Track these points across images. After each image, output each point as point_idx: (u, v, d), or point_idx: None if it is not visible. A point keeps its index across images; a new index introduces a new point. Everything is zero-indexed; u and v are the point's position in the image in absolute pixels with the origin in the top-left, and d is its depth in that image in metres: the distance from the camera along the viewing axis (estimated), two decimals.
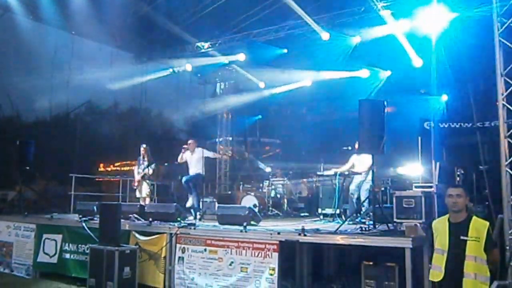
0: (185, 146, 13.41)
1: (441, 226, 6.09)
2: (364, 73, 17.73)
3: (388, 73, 17.58)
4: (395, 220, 8.00)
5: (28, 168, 13.98)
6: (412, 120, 14.15)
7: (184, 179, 13.35)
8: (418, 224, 7.34)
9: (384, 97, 12.47)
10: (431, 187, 8.30)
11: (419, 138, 10.42)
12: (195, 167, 13.27)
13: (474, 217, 5.96)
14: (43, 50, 17.34)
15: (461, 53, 12.39)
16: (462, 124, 11.47)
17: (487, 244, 5.74)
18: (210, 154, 13.79)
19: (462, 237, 5.78)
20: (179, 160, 13.47)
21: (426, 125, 10.75)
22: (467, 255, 5.73)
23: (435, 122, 11.50)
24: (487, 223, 5.90)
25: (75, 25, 16.88)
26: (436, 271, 5.95)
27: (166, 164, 15.50)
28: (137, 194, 13.75)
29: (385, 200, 12.73)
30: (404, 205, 7.89)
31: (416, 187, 9.28)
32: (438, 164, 8.83)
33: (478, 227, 5.82)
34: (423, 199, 7.71)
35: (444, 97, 16.01)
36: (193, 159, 13.33)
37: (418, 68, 15.66)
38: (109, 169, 17.32)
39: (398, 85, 17.13)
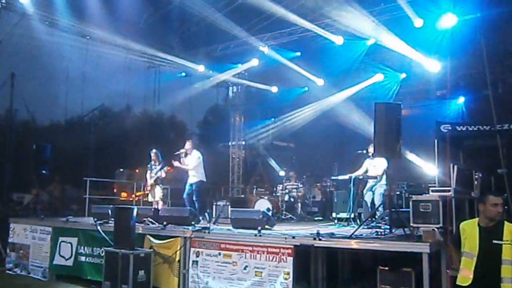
0: (181, 150, 12.99)
1: (470, 230, 5.95)
2: (378, 77, 17.60)
3: (403, 75, 17.48)
4: (411, 224, 7.90)
5: (44, 171, 14.08)
6: (428, 123, 14.05)
7: (185, 193, 12.97)
8: (436, 229, 7.25)
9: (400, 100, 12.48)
10: (448, 191, 8.21)
11: (436, 141, 10.31)
12: (196, 172, 12.93)
13: (505, 222, 5.87)
14: (58, 54, 17.45)
15: (478, 55, 12.27)
16: (480, 127, 11.33)
17: None
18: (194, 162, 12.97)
19: (495, 241, 5.71)
20: (182, 167, 13.04)
21: (443, 128, 10.64)
22: (503, 259, 5.64)
23: (452, 125, 11.36)
24: None
25: (90, 30, 17.02)
26: (465, 275, 5.86)
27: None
28: (149, 198, 13.67)
29: (400, 204, 12.66)
30: (421, 210, 7.77)
31: (433, 191, 9.18)
32: (455, 167, 8.72)
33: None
34: (440, 203, 7.60)
35: (461, 100, 15.94)
36: (191, 164, 12.93)
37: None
38: (131, 199, 17.41)
39: (413, 88, 17.09)
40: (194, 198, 12.77)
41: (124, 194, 19.01)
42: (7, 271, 12.64)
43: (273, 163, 19.20)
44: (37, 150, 14.14)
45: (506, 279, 5.62)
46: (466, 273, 5.85)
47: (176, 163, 12.96)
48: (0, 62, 15.56)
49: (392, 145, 8.61)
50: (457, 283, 5.99)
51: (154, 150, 13.51)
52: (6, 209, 15.99)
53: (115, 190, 19.53)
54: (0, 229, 13.59)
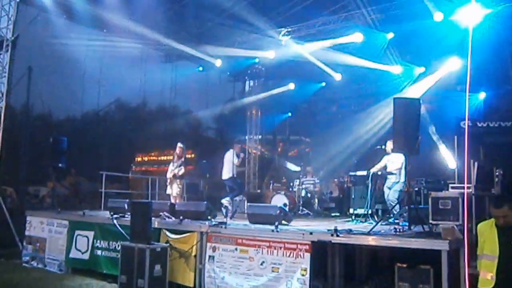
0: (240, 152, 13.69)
1: (487, 231, 5.75)
2: (396, 69, 17.42)
3: (422, 69, 17.30)
4: (430, 221, 7.78)
5: (60, 165, 14.12)
6: (448, 119, 13.90)
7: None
8: (455, 226, 7.12)
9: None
10: (468, 187, 8.06)
11: (456, 137, 10.17)
12: (226, 169, 13.37)
13: None
14: (76, 48, 17.49)
15: (502, 50, 12.08)
16: (501, 123, 11.15)
17: None
18: (235, 161, 13.49)
19: None
20: (237, 163, 13.51)
21: (463, 124, 10.46)
22: None
23: (473, 121, 11.19)
24: None
25: (107, 23, 17.04)
26: (487, 278, 5.70)
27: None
28: (168, 191, 13.70)
29: (419, 201, 12.50)
30: (440, 206, 7.67)
31: (452, 187, 9.04)
32: (476, 164, 8.58)
33: None
34: (460, 200, 7.47)
35: (482, 95, 15.70)
36: (225, 160, 13.44)
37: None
38: (146, 159, 17.40)
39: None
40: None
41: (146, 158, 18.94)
42: (24, 264, 12.67)
43: (288, 164, 19.12)
44: (53, 143, 14.16)
45: None
46: (488, 276, 5.69)
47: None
48: (17, 57, 15.56)
49: (410, 141, 8.50)
50: (479, 286, 5.84)
51: (180, 145, 13.53)
52: (22, 202, 16.14)
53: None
54: (17, 222, 13.71)
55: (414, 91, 16.81)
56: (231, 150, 13.59)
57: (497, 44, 12.35)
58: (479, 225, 5.96)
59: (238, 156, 13.53)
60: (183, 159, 13.39)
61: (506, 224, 5.63)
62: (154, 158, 22.06)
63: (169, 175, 13.38)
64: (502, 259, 5.56)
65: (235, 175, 13.52)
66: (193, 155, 22.05)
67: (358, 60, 17.11)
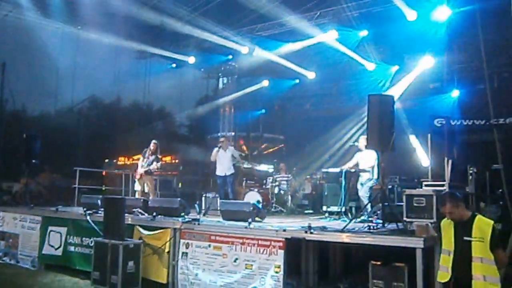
0: (219, 144, 13.58)
1: (446, 227, 6.02)
2: (370, 66, 17.57)
3: (396, 68, 17.47)
4: (405, 219, 7.86)
5: (34, 161, 13.97)
6: (421, 116, 14.04)
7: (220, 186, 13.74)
8: (430, 224, 7.20)
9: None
10: (442, 185, 8.16)
11: (429, 135, 10.27)
12: (227, 165, 13.51)
13: (478, 217, 5.87)
14: (49, 44, 17.30)
15: (475, 48, 12.21)
16: (475, 121, 11.29)
17: (492, 243, 5.64)
18: (236, 156, 13.97)
19: (465, 238, 5.70)
20: (212, 158, 13.59)
21: (437, 122, 10.59)
22: (473, 256, 5.65)
23: (446, 119, 11.31)
24: (491, 222, 5.81)
25: (81, 20, 16.89)
26: (444, 272, 5.89)
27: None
28: (136, 187, 13.69)
29: (392, 199, 12.62)
30: (415, 204, 7.72)
31: (426, 185, 9.13)
32: (450, 162, 8.68)
33: (482, 226, 5.73)
34: (434, 198, 7.54)
35: (455, 93, 15.89)
36: (226, 158, 13.52)
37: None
38: (128, 162, 17.31)
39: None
40: (229, 190, 13.52)
41: (121, 159, 18.88)
42: None
43: (258, 166, 19.16)
44: (27, 139, 14.06)
45: (476, 276, 5.63)
46: (444, 270, 5.88)
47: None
48: None
49: (385, 137, 8.51)
50: (437, 280, 6.06)
51: (155, 141, 13.59)
52: None
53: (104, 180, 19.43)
54: None
55: (391, 92, 17.01)
56: (232, 147, 14.09)
57: (470, 43, 12.51)
58: (442, 221, 6.14)
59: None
60: (157, 155, 13.41)
61: (453, 219, 5.84)
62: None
63: (140, 170, 13.32)
64: (457, 254, 5.74)
65: None
66: (176, 161, 22.04)
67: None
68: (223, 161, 13.50)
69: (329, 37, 16.24)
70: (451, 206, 5.87)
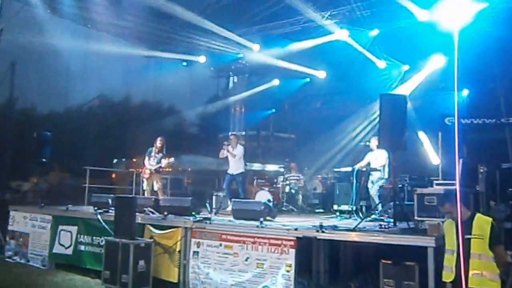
0: (226, 142, 13.53)
1: (449, 226, 6.08)
2: (381, 63, 17.48)
3: (406, 67, 17.38)
4: (416, 218, 7.81)
5: (44, 159, 14.00)
6: (431, 116, 13.94)
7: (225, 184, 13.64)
8: (441, 223, 7.16)
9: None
10: (453, 184, 8.09)
11: (440, 134, 10.21)
12: (238, 164, 13.42)
13: (477, 215, 5.96)
14: (60, 43, 17.35)
15: (487, 47, 12.10)
16: (485, 120, 11.19)
17: (491, 240, 5.71)
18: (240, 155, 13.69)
19: (466, 236, 5.71)
20: (220, 155, 13.51)
21: (447, 121, 10.52)
22: (472, 253, 5.71)
23: (457, 118, 11.22)
24: (490, 219, 5.87)
25: (91, 18, 16.92)
26: (448, 272, 5.94)
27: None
28: (144, 186, 13.65)
29: (402, 197, 12.56)
30: (426, 203, 7.72)
31: (437, 184, 9.07)
32: (461, 161, 8.61)
33: (481, 224, 5.81)
34: None
35: (465, 92, 15.79)
36: (236, 154, 13.39)
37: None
38: (138, 161, 17.36)
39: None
40: (239, 190, 13.43)
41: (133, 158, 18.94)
42: (7, 259, 12.65)
43: (267, 167, 19.12)
44: (37, 138, 14.05)
45: (474, 272, 5.68)
46: (448, 270, 5.90)
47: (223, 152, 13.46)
48: (1, 51, 15.43)
49: (397, 137, 8.50)
50: (443, 279, 6.09)
51: (161, 138, 13.49)
52: (4, 197, 15.98)
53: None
54: (0, 216, 13.62)
55: (401, 90, 16.97)
56: (241, 146, 13.84)
57: (482, 42, 12.39)
58: (445, 222, 6.16)
59: None
60: (164, 152, 13.39)
61: (454, 219, 5.84)
62: None
63: (149, 168, 13.29)
64: (459, 252, 5.73)
65: None
66: None
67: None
68: (231, 160, 13.43)
69: (340, 36, 16.17)
70: (449, 205, 5.91)
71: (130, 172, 17.84)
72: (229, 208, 12.40)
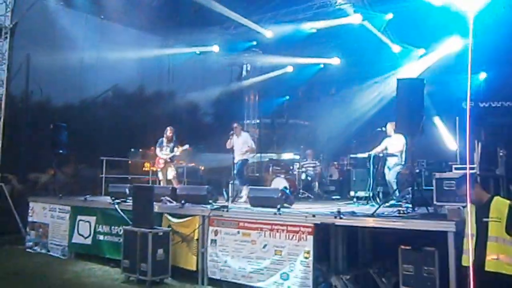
0: (232, 131, 13.31)
1: (469, 210, 5.96)
2: (396, 48, 17.32)
3: (422, 51, 17.19)
4: (435, 202, 7.73)
5: (61, 151, 14.11)
6: (448, 99, 13.82)
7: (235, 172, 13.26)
8: (461, 207, 7.09)
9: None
10: (472, 168, 8.01)
11: (457, 118, 10.11)
12: (240, 152, 13.24)
13: (495, 197, 5.90)
14: (73, 35, 17.42)
15: (505, 29, 11.91)
16: (504, 102, 11.05)
17: (508, 223, 5.64)
18: (249, 143, 13.52)
19: (484, 219, 5.66)
20: (227, 145, 13.24)
21: (464, 104, 10.38)
22: (489, 236, 5.68)
23: (474, 101, 11.09)
24: (508, 202, 5.80)
25: (104, 9, 16.95)
26: (467, 256, 5.83)
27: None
28: (160, 177, 13.71)
29: (420, 183, 12.49)
30: (445, 188, 7.64)
31: (456, 168, 8.97)
32: (479, 144, 8.53)
33: (499, 207, 5.75)
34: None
35: (483, 75, 15.59)
36: (239, 144, 13.25)
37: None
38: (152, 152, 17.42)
39: (434, 64, 16.71)
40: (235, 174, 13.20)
41: (147, 164, 19.02)
42: (27, 249, 12.85)
43: (282, 156, 19.02)
44: (54, 130, 14.15)
45: (491, 255, 5.65)
46: (467, 254, 5.83)
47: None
48: (16, 44, 15.52)
49: (415, 121, 8.41)
50: (462, 264, 6.03)
51: (171, 127, 13.59)
52: (23, 188, 16.14)
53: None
54: (19, 209, 13.80)
55: (412, 70, 16.84)
56: (246, 134, 13.84)
57: (500, 24, 12.20)
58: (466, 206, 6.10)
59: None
60: (170, 141, 13.47)
61: (472, 202, 5.79)
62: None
63: (163, 158, 13.33)
64: (478, 236, 5.67)
65: None
66: None
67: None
68: (236, 148, 13.18)
69: (354, 20, 15.98)
70: (467, 188, 5.83)
71: (145, 162, 17.92)
72: (243, 197, 12.44)
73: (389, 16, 15.76)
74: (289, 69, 21.44)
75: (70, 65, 19.34)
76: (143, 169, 18.45)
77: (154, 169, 15.85)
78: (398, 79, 8.82)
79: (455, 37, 15.46)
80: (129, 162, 19.33)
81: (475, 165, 8.27)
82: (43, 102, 21.79)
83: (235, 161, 13.13)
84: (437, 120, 16.51)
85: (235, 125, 13.53)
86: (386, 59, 17.92)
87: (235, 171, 13.06)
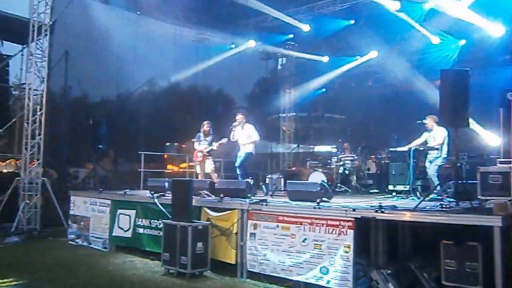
0: (235, 123, 13.03)
1: None
2: (434, 39, 16.98)
3: (462, 42, 16.83)
4: (479, 197, 7.56)
5: (101, 146, 14.35)
6: (490, 91, 13.51)
7: (237, 164, 13.01)
8: (508, 202, 6.91)
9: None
10: None
11: (501, 110, 9.85)
12: (247, 144, 12.93)
13: None
14: (110, 31, 17.65)
15: None
16: None
17: None
18: (254, 136, 12.94)
19: None
20: (231, 138, 13.01)
21: (509, 95, 10.12)
22: None
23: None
24: None
25: (140, 5, 17.11)
26: None
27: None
28: (197, 170, 13.74)
29: (462, 176, 12.24)
30: (490, 182, 7.45)
31: (501, 162, 8.76)
32: None
33: None
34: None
35: None
36: (243, 136, 12.94)
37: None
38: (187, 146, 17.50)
39: (474, 55, 16.36)
40: (237, 166, 12.97)
41: (169, 167, 19.20)
42: (70, 242, 13.12)
43: (316, 148, 18.89)
44: (93, 125, 14.42)
45: None
46: None
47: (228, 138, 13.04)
48: (54, 41, 15.80)
49: (460, 113, 8.19)
50: None
51: (207, 122, 13.53)
52: (64, 183, 16.48)
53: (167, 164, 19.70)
54: (60, 202, 14.09)
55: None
56: (250, 125, 13.09)
57: None
58: None
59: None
60: (207, 136, 13.39)
61: None
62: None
63: (202, 151, 13.36)
64: None
65: None
66: None
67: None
68: (240, 141, 12.96)
69: (392, 6, 15.59)
70: None
71: (183, 156, 18.05)
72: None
73: (429, 5, 15.41)
74: (325, 59, 21.21)
75: (107, 61, 19.63)
76: (166, 171, 18.56)
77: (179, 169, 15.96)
78: (441, 70, 8.60)
79: (497, 23, 14.98)
80: (165, 156, 19.48)
81: None
82: (81, 98, 22.18)
83: (239, 154, 12.98)
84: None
85: (239, 116, 13.15)
86: (425, 50, 17.58)
87: (237, 164, 12.92)
